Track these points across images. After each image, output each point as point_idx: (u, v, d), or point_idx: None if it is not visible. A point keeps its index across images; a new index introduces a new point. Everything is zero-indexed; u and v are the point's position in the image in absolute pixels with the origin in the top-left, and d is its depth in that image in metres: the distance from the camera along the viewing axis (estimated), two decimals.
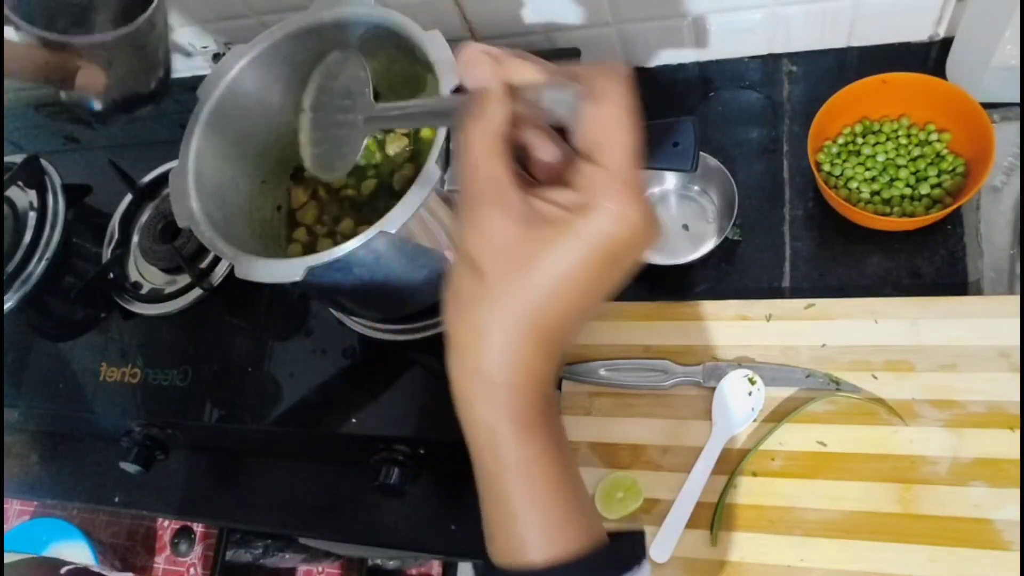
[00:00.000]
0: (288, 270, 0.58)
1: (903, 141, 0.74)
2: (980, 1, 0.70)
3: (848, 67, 0.82)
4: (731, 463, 0.67)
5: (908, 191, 0.72)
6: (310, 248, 0.73)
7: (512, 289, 0.36)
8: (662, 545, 0.66)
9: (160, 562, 0.89)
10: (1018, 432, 0.62)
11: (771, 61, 0.85)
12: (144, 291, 0.91)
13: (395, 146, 0.74)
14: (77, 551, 0.88)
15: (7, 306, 0.93)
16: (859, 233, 0.73)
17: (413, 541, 0.79)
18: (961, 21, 0.74)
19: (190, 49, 1.00)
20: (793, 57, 0.84)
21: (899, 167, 0.73)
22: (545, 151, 0.39)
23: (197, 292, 0.88)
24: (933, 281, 0.71)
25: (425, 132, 0.73)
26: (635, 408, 0.72)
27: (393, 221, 0.56)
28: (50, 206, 0.98)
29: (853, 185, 0.74)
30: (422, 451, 0.76)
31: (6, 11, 0.54)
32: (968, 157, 0.72)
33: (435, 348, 0.78)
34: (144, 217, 0.96)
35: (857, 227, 0.73)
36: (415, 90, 0.74)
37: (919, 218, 0.69)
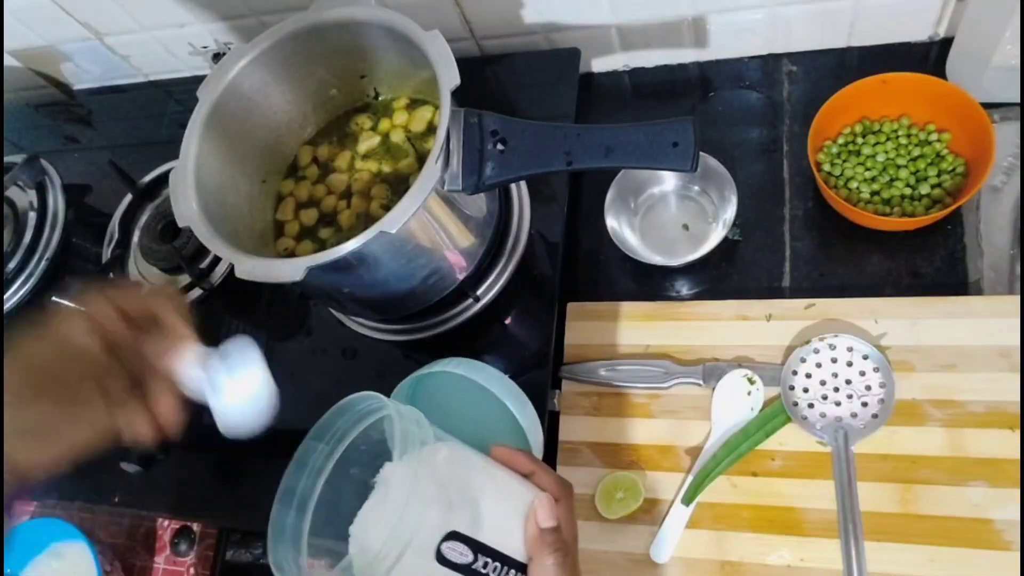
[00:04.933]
0: (288, 270, 0.58)
1: (903, 141, 0.74)
2: (980, 1, 0.70)
3: (848, 67, 0.82)
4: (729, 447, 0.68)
5: (908, 191, 0.72)
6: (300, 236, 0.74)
7: None
8: (662, 545, 0.66)
9: (160, 562, 0.89)
10: (1018, 432, 0.62)
11: (771, 61, 0.85)
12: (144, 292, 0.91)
13: (367, 144, 0.74)
14: (77, 551, 0.88)
15: (7, 306, 0.93)
16: (859, 233, 0.73)
17: None
18: (961, 21, 0.74)
19: (190, 49, 1.00)
20: (793, 57, 0.84)
21: (899, 167, 0.73)
22: None
23: (197, 292, 0.88)
24: (933, 281, 0.71)
25: (396, 141, 0.73)
26: (635, 408, 0.72)
27: (393, 221, 0.56)
28: (50, 206, 0.98)
29: (853, 185, 0.74)
30: None
31: None
32: (968, 157, 0.72)
33: (435, 348, 0.78)
34: (144, 217, 0.96)
35: (857, 227, 0.73)
36: (413, 90, 0.75)
37: (919, 218, 0.69)
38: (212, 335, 0.85)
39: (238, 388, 0.51)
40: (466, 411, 0.63)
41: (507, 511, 0.50)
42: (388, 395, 0.65)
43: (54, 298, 0.95)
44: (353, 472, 0.52)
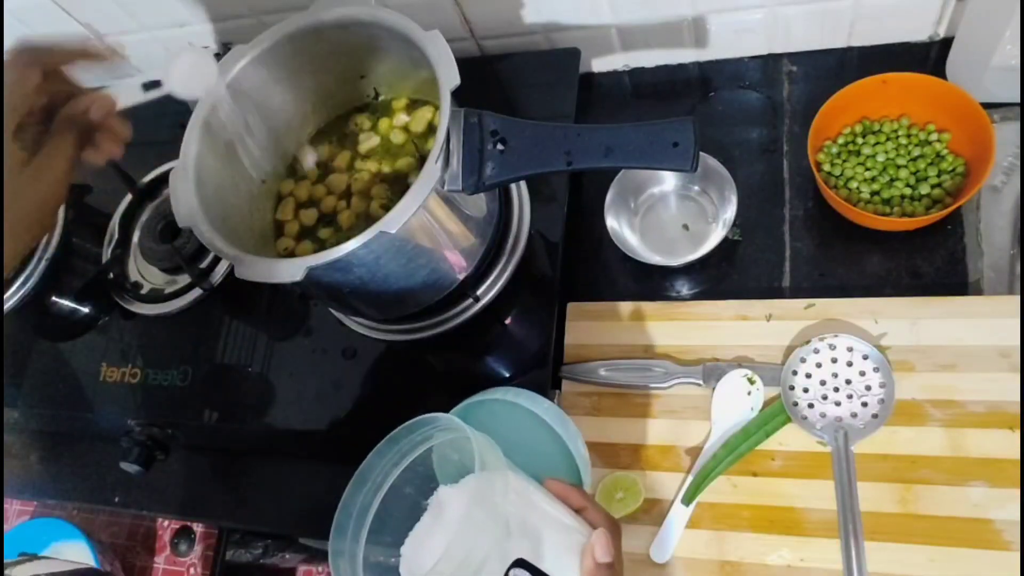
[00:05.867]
0: (288, 270, 0.58)
1: (903, 141, 0.74)
2: (980, 1, 0.70)
3: (848, 67, 0.82)
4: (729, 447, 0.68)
5: (908, 191, 0.72)
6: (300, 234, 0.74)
7: None
8: (662, 545, 0.66)
9: (160, 562, 0.89)
10: (1018, 432, 0.62)
11: (771, 61, 0.85)
12: (144, 291, 0.91)
13: (367, 144, 0.74)
14: (77, 551, 0.88)
15: (7, 306, 0.93)
16: (859, 233, 0.73)
17: None
18: (961, 21, 0.74)
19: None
20: (793, 57, 0.84)
21: (899, 167, 0.73)
22: None
23: (197, 292, 0.88)
24: (933, 281, 0.71)
25: (396, 140, 0.73)
26: (635, 408, 0.72)
27: (393, 221, 0.56)
28: None
29: (853, 185, 0.74)
30: None
31: None
32: (968, 157, 0.72)
33: (435, 348, 0.78)
34: (144, 217, 0.96)
35: (857, 227, 0.73)
36: (413, 90, 0.75)
37: (919, 218, 0.69)
38: (212, 335, 0.86)
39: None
40: (518, 440, 0.63)
41: (564, 544, 0.50)
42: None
43: (54, 298, 0.96)
44: (408, 491, 0.52)
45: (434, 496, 0.49)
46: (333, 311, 0.81)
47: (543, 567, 0.47)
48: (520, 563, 0.46)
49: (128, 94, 0.55)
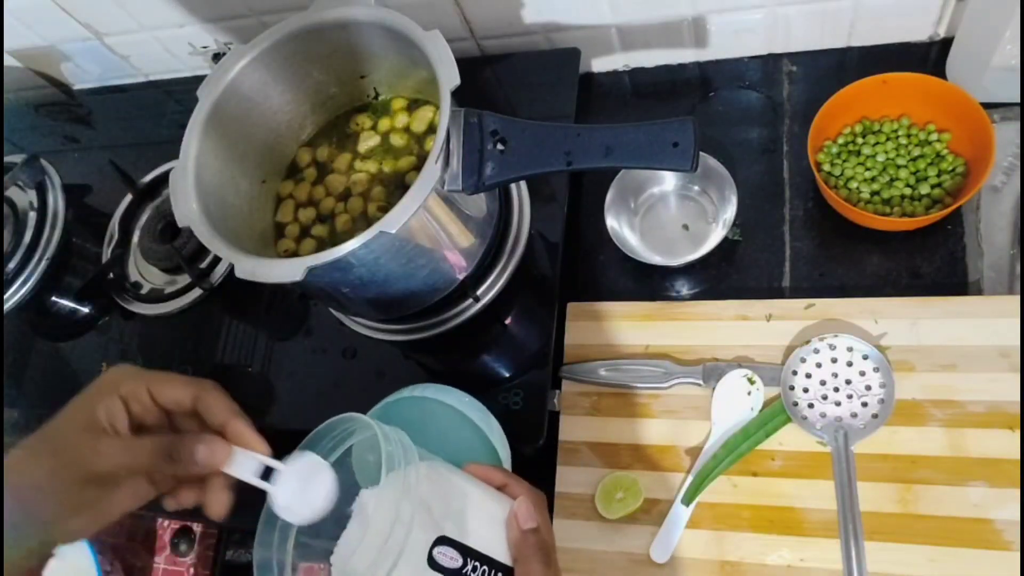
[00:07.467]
0: (288, 270, 0.58)
1: (903, 141, 0.74)
2: (980, 1, 0.70)
3: (848, 67, 0.82)
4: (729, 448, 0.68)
5: (908, 191, 0.72)
6: (300, 235, 0.74)
7: None
8: (662, 545, 0.66)
9: (160, 562, 0.89)
10: (1018, 432, 0.62)
11: (771, 61, 0.85)
12: (144, 291, 0.91)
13: (367, 144, 0.74)
14: (77, 551, 0.88)
15: (7, 306, 0.93)
16: (859, 233, 0.73)
17: None
18: (961, 21, 0.74)
19: (190, 49, 1.00)
20: (793, 57, 0.84)
21: (899, 167, 0.73)
22: None
23: (197, 292, 0.88)
24: (933, 281, 0.71)
25: (396, 140, 0.73)
26: (635, 408, 0.72)
27: (393, 221, 0.56)
28: (50, 206, 0.98)
29: (853, 185, 0.74)
30: None
31: None
32: (968, 157, 0.72)
33: (435, 348, 0.78)
34: (144, 217, 0.96)
35: (857, 227, 0.73)
36: (413, 90, 0.75)
37: (919, 218, 0.69)
38: (212, 335, 0.86)
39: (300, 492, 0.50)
40: (436, 433, 0.64)
41: (488, 519, 0.51)
42: (384, 398, 0.66)
43: (54, 298, 0.96)
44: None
45: (356, 501, 0.49)
46: (333, 311, 0.81)
47: (469, 543, 0.48)
48: (443, 540, 0.46)
49: (241, 468, 0.50)
